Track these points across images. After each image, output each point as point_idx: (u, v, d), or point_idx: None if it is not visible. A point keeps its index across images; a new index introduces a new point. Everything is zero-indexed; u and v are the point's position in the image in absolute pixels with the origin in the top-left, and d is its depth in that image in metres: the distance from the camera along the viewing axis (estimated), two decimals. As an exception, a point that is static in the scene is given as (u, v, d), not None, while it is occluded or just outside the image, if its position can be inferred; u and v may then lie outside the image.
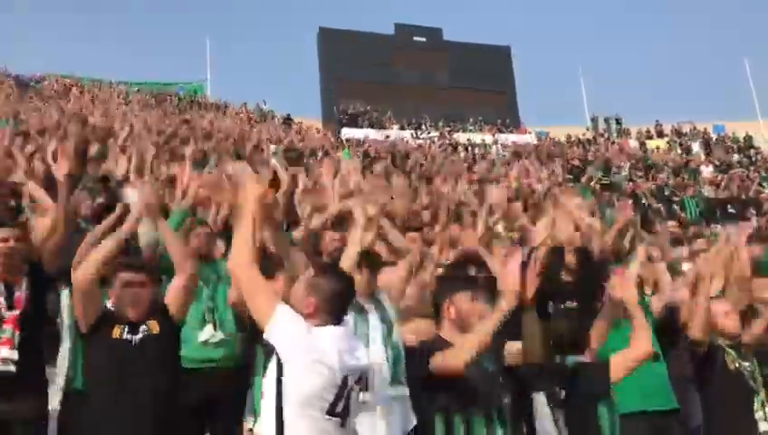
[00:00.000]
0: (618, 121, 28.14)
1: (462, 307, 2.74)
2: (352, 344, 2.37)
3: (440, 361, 2.57)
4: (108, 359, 2.83)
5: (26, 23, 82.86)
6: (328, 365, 2.18)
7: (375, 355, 3.00)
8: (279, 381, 2.19)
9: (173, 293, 3.06)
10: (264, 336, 2.25)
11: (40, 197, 4.09)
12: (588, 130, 27.46)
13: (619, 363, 2.95)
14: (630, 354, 2.95)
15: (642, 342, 2.93)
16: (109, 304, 3.06)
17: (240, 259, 2.31)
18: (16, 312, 3.16)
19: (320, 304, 2.31)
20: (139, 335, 2.86)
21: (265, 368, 2.45)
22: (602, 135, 25.68)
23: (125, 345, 2.82)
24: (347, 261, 3.14)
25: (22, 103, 15.01)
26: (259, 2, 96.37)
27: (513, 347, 2.87)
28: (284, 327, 2.21)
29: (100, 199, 5.39)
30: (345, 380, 2.24)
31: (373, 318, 3.17)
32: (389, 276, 3.47)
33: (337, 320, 2.35)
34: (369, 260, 3.30)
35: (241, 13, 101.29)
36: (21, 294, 3.22)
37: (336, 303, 2.36)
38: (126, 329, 2.86)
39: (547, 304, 3.89)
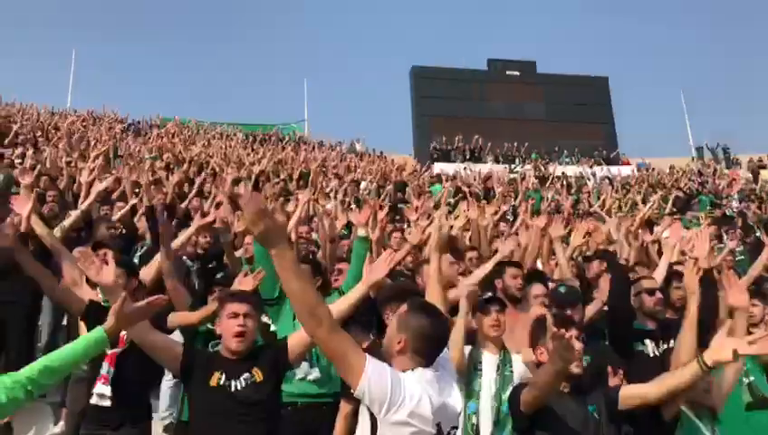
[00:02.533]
0: (725, 151, 26.48)
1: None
2: (444, 388, 2.24)
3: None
4: (207, 406, 2.82)
5: (138, 72, 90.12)
6: (420, 414, 2.09)
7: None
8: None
9: (301, 340, 2.91)
10: (356, 394, 2.12)
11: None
12: (693, 160, 26.06)
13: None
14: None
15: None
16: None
17: (310, 323, 2.10)
18: (117, 350, 3.41)
19: (410, 342, 2.21)
20: (242, 384, 2.82)
21: None
22: (708, 166, 24.23)
23: (223, 394, 2.79)
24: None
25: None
26: (353, 44, 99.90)
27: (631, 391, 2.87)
28: (376, 382, 2.07)
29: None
30: (439, 426, 2.15)
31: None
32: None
33: (428, 361, 2.23)
34: None
35: (336, 55, 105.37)
36: (124, 333, 3.37)
37: (427, 342, 2.24)
38: (224, 376, 2.83)
39: None
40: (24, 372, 2.22)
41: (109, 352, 3.38)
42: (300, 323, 2.21)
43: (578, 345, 2.70)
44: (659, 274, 4.58)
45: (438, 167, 23.37)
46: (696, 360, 2.61)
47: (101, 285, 2.68)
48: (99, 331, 2.36)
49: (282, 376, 3.05)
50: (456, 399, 2.29)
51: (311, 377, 3.81)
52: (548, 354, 2.85)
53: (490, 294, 3.81)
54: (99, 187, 5.95)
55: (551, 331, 2.71)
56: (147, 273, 4.23)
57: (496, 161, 24.87)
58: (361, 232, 4.05)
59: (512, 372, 3.29)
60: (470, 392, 3.35)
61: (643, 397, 2.82)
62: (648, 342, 3.85)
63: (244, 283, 3.61)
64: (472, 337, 3.56)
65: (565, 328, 2.83)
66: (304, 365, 3.79)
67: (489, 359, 3.35)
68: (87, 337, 2.35)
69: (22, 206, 4.30)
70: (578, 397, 2.90)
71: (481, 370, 3.27)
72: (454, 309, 3.66)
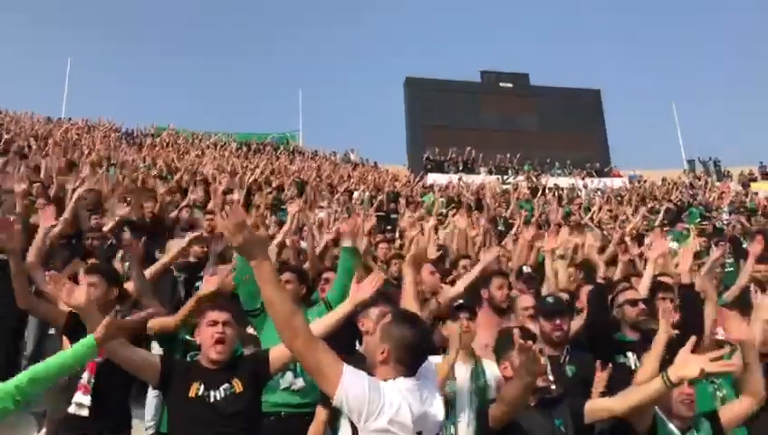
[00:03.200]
0: (716, 163, 26.68)
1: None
2: (427, 397, 2.25)
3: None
4: (186, 417, 2.81)
5: (134, 82, 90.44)
6: (399, 422, 2.10)
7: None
8: None
9: (284, 352, 2.86)
10: (334, 404, 2.16)
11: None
12: (685, 172, 26.22)
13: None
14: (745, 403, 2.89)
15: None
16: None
17: (295, 334, 2.13)
18: (98, 360, 3.33)
19: (392, 352, 2.23)
20: (221, 393, 2.82)
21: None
22: (699, 178, 24.41)
23: (202, 404, 2.78)
24: None
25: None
26: (347, 55, 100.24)
27: (596, 404, 2.86)
28: (353, 392, 2.09)
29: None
30: None
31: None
32: None
33: (410, 371, 2.24)
34: None
35: (330, 66, 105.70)
36: None
37: (409, 352, 2.25)
38: (203, 386, 2.82)
39: None
40: (12, 381, 2.25)
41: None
42: (277, 335, 2.21)
43: (543, 359, 2.69)
44: (643, 285, 4.60)
45: (432, 177, 23.44)
46: (660, 375, 2.61)
47: (74, 307, 2.68)
48: (89, 338, 2.38)
49: (261, 387, 3.04)
50: (438, 408, 2.29)
51: (295, 387, 3.79)
52: (513, 368, 2.85)
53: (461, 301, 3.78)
54: (78, 192, 5.97)
55: (517, 343, 2.69)
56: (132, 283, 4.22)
57: (489, 173, 24.97)
58: (347, 242, 4.04)
59: (486, 381, 3.27)
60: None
61: (609, 410, 2.80)
62: (630, 354, 3.85)
63: (209, 282, 3.62)
64: None
65: (531, 341, 2.82)
66: (288, 375, 3.77)
67: (461, 368, 3.31)
68: (77, 345, 2.37)
69: (47, 219, 4.34)
70: (544, 410, 2.89)
71: (455, 379, 3.24)
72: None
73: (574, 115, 30.68)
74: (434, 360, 3.46)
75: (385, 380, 2.20)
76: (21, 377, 2.26)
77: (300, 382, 3.82)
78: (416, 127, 29.96)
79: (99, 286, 3.35)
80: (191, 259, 5.91)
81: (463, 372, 3.28)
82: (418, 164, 26.95)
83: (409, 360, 2.25)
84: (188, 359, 3.64)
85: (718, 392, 3.53)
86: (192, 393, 2.80)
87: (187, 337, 3.70)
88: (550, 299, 4.17)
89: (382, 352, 2.24)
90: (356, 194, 14.33)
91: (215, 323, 2.94)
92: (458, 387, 3.23)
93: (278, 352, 2.96)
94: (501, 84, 31.68)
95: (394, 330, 2.26)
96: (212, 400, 2.81)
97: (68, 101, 30.45)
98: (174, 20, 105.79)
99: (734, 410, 2.96)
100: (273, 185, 12.89)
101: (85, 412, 3.32)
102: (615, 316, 4.22)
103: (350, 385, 2.09)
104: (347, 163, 24.52)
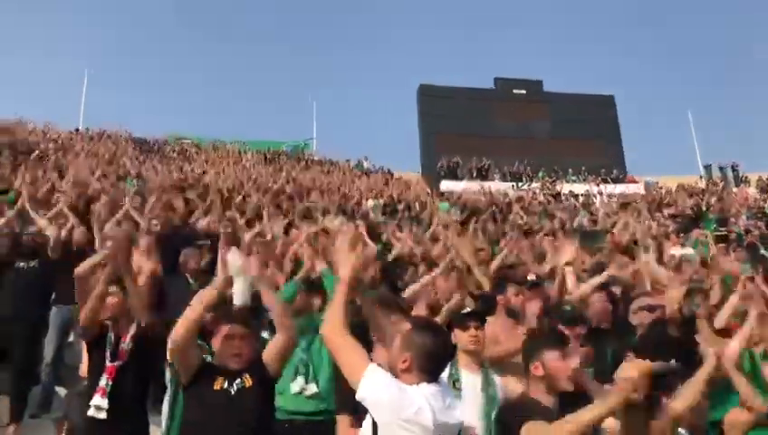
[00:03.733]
0: (734, 169, 26.40)
1: (550, 365, 2.64)
2: (448, 402, 2.26)
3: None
4: (204, 409, 2.84)
5: (151, 94, 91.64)
6: (422, 424, 2.11)
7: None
8: None
9: (272, 349, 3.02)
10: (357, 397, 2.18)
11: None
12: (701, 178, 25.99)
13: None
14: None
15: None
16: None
17: (333, 326, 2.32)
18: (117, 363, 3.45)
19: (414, 360, 2.25)
20: (234, 388, 2.88)
21: None
22: (716, 184, 24.15)
23: (223, 396, 2.85)
24: None
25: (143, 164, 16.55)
26: (360, 63, 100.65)
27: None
28: (377, 387, 2.14)
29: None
30: None
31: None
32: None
33: (432, 377, 2.26)
34: None
35: (344, 74, 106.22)
36: (125, 347, 3.52)
37: (432, 360, 2.27)
38: (227, 381, 2.89)
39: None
40: None
41: (108, 365, 3.44)
42: (325, 322, 2.38)
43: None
44: (582, 291, 4.57)
45: (445, 184, 23.43)
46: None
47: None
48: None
49: (270, 389, 3.08)
50: (459, 414, 2.30)
51: (307, 392, 3.81)
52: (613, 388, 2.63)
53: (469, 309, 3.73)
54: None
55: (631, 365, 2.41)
56: None
57: (503, 179, 24.91)
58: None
59: (496, 392, 3.20)
60: None
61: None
62: None
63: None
64: None
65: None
66: (300, 380, 3.79)
67: (469, 379, 3.20)
68: None
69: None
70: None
71: (460, 389, 3.13)
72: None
73: (588, 121, 30.56)
74: None
75: (409, 385, 2.22)
76: None
77: (312, 388, 3.83)
78: (429, 134, 29.99)
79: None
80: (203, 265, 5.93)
81: (471, 384, 3.22)
82: (432, 171, 26.95)
83: (432, 367, 2.27)
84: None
85: None
86: (218, 386, 2.87)
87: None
88: (568, 307, 4.17)
89: (404, 361, 2.25)
90: (370, 202, 14.37)
91: (231, 337, 2.97)
92: (465, 399, 3.15)
93: (269, 354, 3.01)
94: (514, 91, 31.66)
95: (415, 338, 2.28)
96: (232, 393, 2.87)
97: (85, 111, 30.77)
98: (187, 35, 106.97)
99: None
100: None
101: (103, 415, 3.38)
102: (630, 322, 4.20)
103: (374, 382, 2.15)
104: (360, 171, 24.57)
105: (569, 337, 3.14)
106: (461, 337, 3.28)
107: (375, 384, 2.15)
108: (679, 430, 2.77)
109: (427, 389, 2.20)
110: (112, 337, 3.56)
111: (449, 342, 2.42)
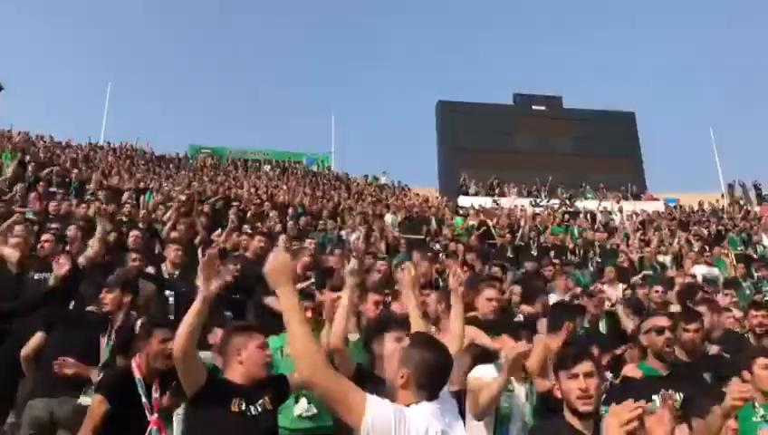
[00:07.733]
0: (756, 187, 25.95)
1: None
2: (450, 421, 2.23)
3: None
4: (226, 430, 2.82)
5: (170, 108, 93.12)
6: None
7: None
8: None
9: (297, 383, 3.16)
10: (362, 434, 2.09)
11: None
12: (723, 196, 25.59)
13: None
14: None
15: None
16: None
17: (312, 366, 2.09)
18: (155, 416, 3.35)
19: (413, 376, 2.20)
20: (257, 409, 2.90)
21: None
22: (738, 202, 23.75)
23: (243, 419, 2.84)
24: None
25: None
26: (380, 78, 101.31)
27: None
28: (379, 422, 2.05)
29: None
30: None
31: None
32: None
33: (432, 394, 2.21)
34: None
35: (362, 88, 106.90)
36: (157, 398, 3.43)
37: (431, 376, 2.22)
38: (244, 403, 2.87)
39: None
40: None
41: (151, 417, 3.33)
42: (298, 366, 2.17)
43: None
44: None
45: (463, 200, 23.37)
46: None
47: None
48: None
49: (278, 408, 3.16)
50: (459, 432, 2.27)
51: (307, 414, 3.90)
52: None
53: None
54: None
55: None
56: None
57: (521, 195, 24.76)
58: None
59: (537, 401, 3.30)
60: (501, 413, 3.34)
61: None
62: (655, 397, 3.36)
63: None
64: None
65: None
66: (303, 402, 3.87)
67: (519, 388, 3.38)
68: None
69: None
70: None
71: (512, 391, 3.28)
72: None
73: (608, 138, 30.32)
74: (485, 371, 3.44)
75: (407, 405, 2.17)
76: None
77: (313, 409, 3.92)
78: (448, 150, 29.98)
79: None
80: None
81: (518, 391, 3.32)
82: (451, 187, 26.89)
83: (430, 383, 2.22)
84: None
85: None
86: (235, 408, 2.85)
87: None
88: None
89: (402, 377, 2.21)
90: (388, 217, 14.39)
91: (266, 345, 3.13)
92: (514, 404, 3.23)
93: (296, 380, 3.10)
94: (534, 107, 31.55)
95: (413, 353, 2.24)
96: (252, 413, 2.89)
97: (107, 125, 31.23)
98: (206, 49, 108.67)
99: None
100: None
101: None
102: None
103: (375, 415, 2.05)
104: (379, 186, 24.61)
105: None
106: (514, 346, 3.34)
107: (377, 420, 2.05)
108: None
109: (427, 408, 2.16)
110: (144, 386, 3.49)
111: (448, 357, 2.33)
